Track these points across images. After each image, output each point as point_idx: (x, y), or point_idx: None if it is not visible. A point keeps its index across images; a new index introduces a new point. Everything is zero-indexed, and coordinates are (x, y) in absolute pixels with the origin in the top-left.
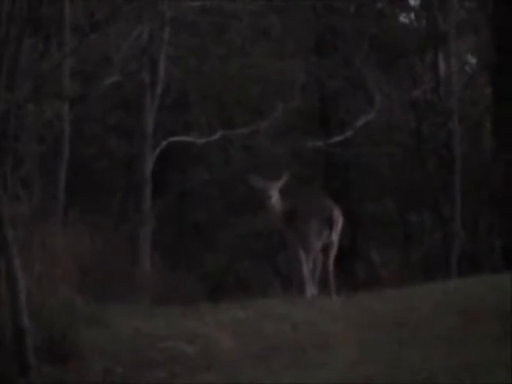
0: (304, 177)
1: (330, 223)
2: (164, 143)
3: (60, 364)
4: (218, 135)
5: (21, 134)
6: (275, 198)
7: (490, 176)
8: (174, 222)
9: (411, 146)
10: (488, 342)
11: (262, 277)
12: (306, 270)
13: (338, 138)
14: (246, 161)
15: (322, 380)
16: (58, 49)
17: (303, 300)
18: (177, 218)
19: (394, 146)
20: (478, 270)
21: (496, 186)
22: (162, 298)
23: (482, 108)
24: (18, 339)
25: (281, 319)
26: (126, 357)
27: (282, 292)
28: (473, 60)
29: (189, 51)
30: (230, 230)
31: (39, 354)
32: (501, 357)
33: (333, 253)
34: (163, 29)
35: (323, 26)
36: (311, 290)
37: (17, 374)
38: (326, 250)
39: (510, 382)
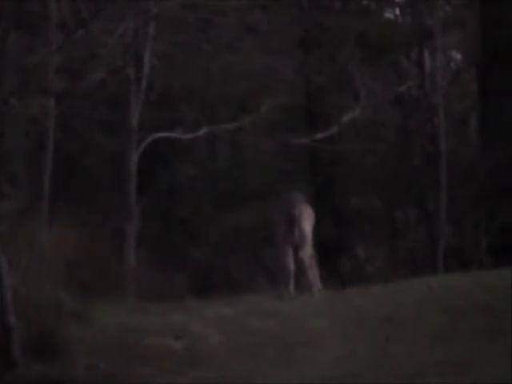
0: (289, 172)
1: (292, 221)
2: (149, 139)
3: (46, 360)
4: (203, 131)
5: (6, 130)
6: None
7: (475, 172)
8: (160, 218)
9: (397, 142)
10: (474, 338)
11: (248, 272)
12: (290, 266)
13: (323, 134)
14: (231, 156)
15: (309, 376)
16: (43, 45)
17: (287, 295)
18: (163, 213)
19: (379, 142)
20: (464, 266)
21: (482, 182)
22: (149, 293)
23: (467, 104)
24: (5, 336)
25: (267, 315)
26: (112, 353)
27: (268, 288)
28: (458, 56)
29: (174, 47)
30: (216, 225)
31: (25, 350)
32: (487, 352)
33: (304, 250)
34: (148, 25)
35: (309, 22)
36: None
37: (3, 369)
38: (297, 246)
39: (495, 377)
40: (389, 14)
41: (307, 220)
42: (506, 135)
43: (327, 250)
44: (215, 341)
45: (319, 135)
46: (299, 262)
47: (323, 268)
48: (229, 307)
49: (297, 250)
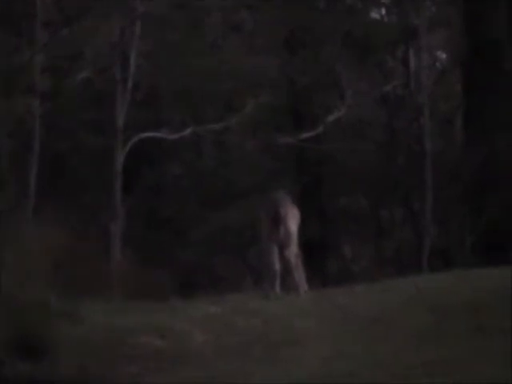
0: (276, 172)
1: (277, 220)
2: (135, 138)
3: (33, 360)
4: (188, 131)
5: None
6: None
7: (460, 171)
8: (147, 218)
9: (383, 142)
10: (460, 337)
11: (234, 271)
12: (276, 265)
13: (309, 134)
14: (218, 156)
15: (295, 375)
16: (29, 44)
17: (273, 294)
18: (149, 213)
19: (365, 142)
20: (449, 265)
21: (466, 181)
22: (135, 293)
23: (452, 104)
24: None
25: (252, 314)
26: (99, 352)
27: (254, 287)
28: (443, 55)
29: (160, 46)
30: (202, 225)
31: (12, 350)
32: (475, 351)
33: (290, 249)
34: (134, 24)
35: (294, 21)
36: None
37: None
38: (283, 246)
39: (483, 376)
40: (375, 14)
41: (293, 219)
42: (490, 132)
43: (313, 250)
44: (201, 340)
45: (305, 135)
46: (285, 262)
47: (309, 268)
48: (215, 306)
49: (282, 249)
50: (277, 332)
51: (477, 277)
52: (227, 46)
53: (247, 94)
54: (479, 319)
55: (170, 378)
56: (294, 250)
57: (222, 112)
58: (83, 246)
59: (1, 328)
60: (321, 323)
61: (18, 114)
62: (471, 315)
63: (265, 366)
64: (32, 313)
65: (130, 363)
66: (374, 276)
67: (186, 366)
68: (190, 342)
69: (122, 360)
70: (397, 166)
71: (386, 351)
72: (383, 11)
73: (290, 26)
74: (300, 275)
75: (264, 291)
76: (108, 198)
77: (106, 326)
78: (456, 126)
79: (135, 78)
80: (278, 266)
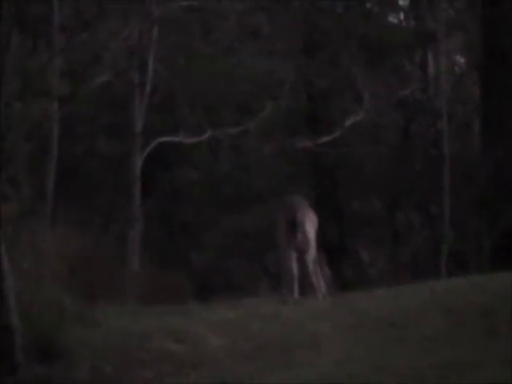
0: (292, 176)
1: (294, 225)
2: (154, 143)
3: (48, 363)
4: (206, 135)
5: (9, 132)
6: None
7: (477, 176)
8: (163, 222)
9: (400, 146)
10: (474, 342)
11: (250, 276)
12: (294, 270)
13: (326, 138)
14: (234, 160)
15: (310, 379)
16: (46, 48)
17: (291, 299)
18: (166, 217)
19: (382, 146)
20: (466, 270)
21: (483, 185)
22: (151, 297)
23: (470, 108)
24: (7, 338)
25: (269, 319)
26: (114, 356)
27: (270, 291)
28: (461, 60)
29: (177, 51)
30: (218, 229)
31: (27, 353)
32: (487, 356)
33: (309, 253)
34: (152, 28)
35: (312, 25)
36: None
37: (5, 372)
38: (301, 251)
39: (496, 380)
40: (392, 19)
41: (310, 223)
42: (507, 136)
43: (330, 254)
44: (217, 344)
45: (322, 139)
46: (303, 267)
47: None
48: (231, 311)
49: (301, 253)
50: (292, 336)
51: (490, 281)
52: (244, 50)
53: (264, 97)
54: (492, 322)
55: (186, 382)
56: (312, 254)
57: (239, 116)
58: (100, 249)
59: (17, 330)
60: (337, 327)
61: (35, 118)
62: (484, 319)
63: (279, 370)
64: (48, 316)
65: (145, 367)
66: (390, 280)
67: (202, 369)
68: (206, 345)
69: (137, 364)
70: (413, 169)
71: (401, 354)
72: (401, 16)
73: (307, 29)
74: (318, 279)
75: (282, 296)
76: (126, 202)
77: (121, 330)
78: (474, 129)
79: (153, 82)
80: (295, 271)
